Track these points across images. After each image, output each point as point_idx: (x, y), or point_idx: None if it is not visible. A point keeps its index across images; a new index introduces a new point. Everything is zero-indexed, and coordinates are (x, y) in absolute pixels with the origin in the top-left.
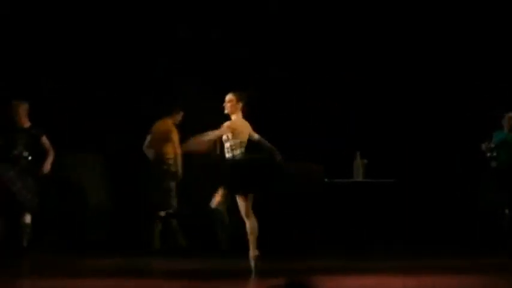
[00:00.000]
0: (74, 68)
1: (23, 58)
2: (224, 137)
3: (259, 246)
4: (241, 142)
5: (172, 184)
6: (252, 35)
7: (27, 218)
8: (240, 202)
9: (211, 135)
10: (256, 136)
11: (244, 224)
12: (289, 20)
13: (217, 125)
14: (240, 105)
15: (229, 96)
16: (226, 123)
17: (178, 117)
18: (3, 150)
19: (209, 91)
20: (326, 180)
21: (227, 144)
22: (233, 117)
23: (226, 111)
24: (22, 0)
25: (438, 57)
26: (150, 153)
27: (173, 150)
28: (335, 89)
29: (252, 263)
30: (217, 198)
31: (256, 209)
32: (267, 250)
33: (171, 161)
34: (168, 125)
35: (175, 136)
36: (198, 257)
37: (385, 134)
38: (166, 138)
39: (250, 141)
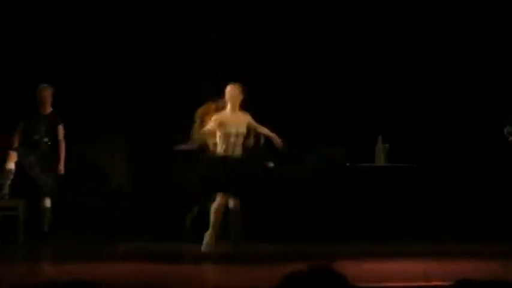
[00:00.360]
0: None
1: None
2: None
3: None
4: (226, 134)
5: None
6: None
7: (47, 202)
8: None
9: (205, 130)
10: (257, 128)
11: None
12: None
13: None
14: (241, 97)
15: (232, 88)
16: (214, 116)
17: (221, 103)
18: (25, 135)
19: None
20: (348, 164)
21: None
22: (230, 109)
23: (228, 104)
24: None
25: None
26: (198, 138)
27: None
28: (354, 77)
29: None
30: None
31: (279, 194)
32: (289, 235)
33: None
34: (209, 109)
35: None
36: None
37: (407, 118)
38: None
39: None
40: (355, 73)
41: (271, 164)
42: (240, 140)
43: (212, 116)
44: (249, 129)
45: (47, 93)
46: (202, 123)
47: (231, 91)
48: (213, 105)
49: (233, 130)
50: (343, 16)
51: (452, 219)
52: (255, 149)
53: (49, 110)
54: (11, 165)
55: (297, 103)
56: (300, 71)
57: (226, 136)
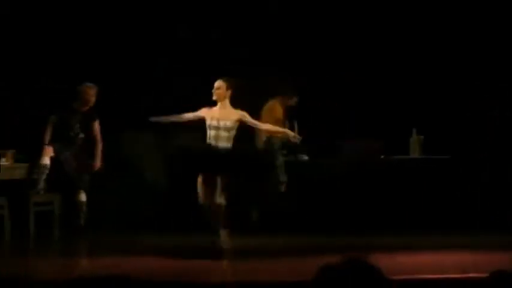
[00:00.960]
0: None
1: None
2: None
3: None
4: (208, 126)
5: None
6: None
7: (83, 197)
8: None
9: (186, 116)
10: (251, 121)
11: None
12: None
13: None
14: (229, 92)
15: (218, 83)
16: (204, 108)
17: (289, 101)
18: (60, 131)
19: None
20: (382, 156)
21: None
22: (219, 104)
23: (214, 98)
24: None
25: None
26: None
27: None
28: (391, 67)
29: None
30: None
31: (313, 186)
32: (323, 227)
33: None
34: (274, 105)
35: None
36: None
37: (442, 109)
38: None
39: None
40: (390, 67)
41: (305, 157)
42: (223, 133)
43: (277, 112)
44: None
45: (92, 91)
46: (266, 118)
47: (216, 86)
48: (278, 101)
49: (214, 123)
50: (366, 13)
51: (486, 211)
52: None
53: (86, 107)
54: (46, 160)
55: (332, 96)
56: (333, 64)
57: (208, 128)
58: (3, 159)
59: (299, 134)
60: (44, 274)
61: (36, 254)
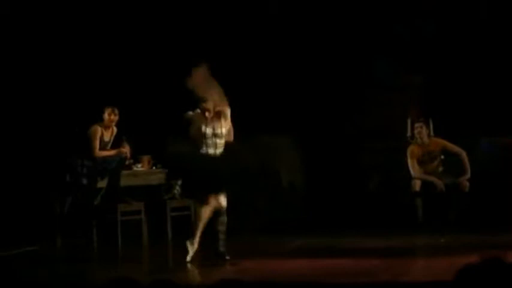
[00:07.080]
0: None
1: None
2: None
3: None
4: None
5: None
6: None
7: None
8: None
9: None
10: None
11: None
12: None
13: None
14: None
15: None
16: None
17: None
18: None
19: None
20: None
21: None
22: None
23: None
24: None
25: None
26: None
27: None
28: None
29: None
30: None
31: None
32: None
33: None
34: None
35: None
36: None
37: None
38: None
39: None
40: None
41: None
42: None
43: None
44: None
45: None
46: None
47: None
48: None
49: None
50: None
51: None
52: None
53: None
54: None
55: (469, 92)
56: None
57: None
58: (140, 165)
59: (434, 131)
60: (185, 279)
61: (175, 259)
